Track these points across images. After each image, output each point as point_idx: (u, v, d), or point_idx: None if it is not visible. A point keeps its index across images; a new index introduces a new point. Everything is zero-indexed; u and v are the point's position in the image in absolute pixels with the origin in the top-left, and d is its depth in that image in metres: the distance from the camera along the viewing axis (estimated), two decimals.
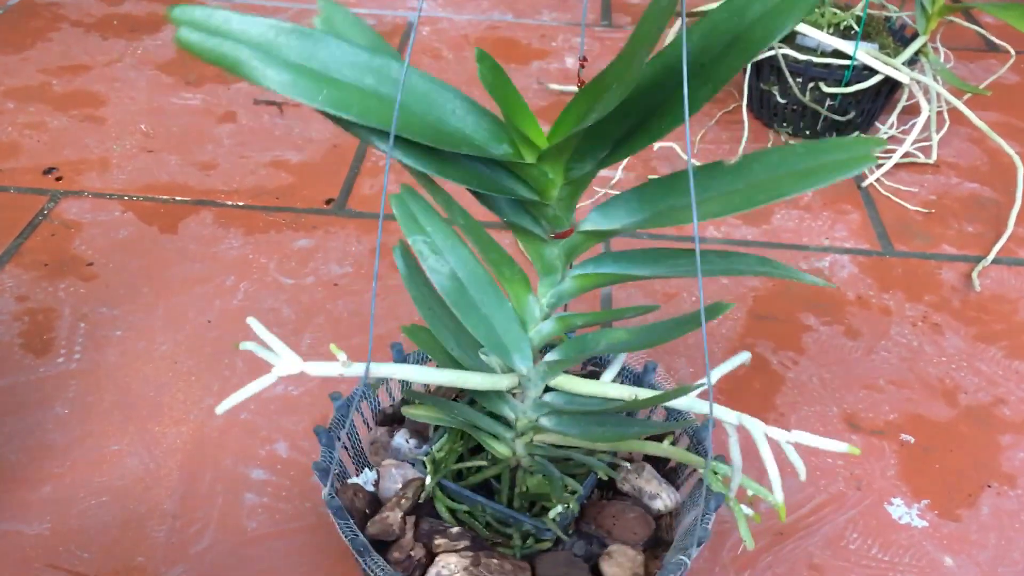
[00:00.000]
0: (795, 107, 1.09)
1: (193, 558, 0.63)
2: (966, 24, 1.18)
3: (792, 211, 0.99)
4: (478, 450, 0.58)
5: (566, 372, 0.54)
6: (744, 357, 0.55)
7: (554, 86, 1.19)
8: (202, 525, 0.65)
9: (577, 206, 0.50)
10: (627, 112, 0.43)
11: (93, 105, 1.13)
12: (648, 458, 0.61)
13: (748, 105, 1.15)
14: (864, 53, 1.02)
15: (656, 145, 1.06)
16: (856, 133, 1.11)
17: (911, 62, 1.05)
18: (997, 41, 1.20)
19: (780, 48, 1.04)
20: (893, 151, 1.06)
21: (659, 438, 0.59)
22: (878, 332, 0.84)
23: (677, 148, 1.05)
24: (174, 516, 0.66)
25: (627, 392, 0.52)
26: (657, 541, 0.57)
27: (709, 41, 0.42)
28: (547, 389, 0.53)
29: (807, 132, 1.11)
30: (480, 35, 1.31)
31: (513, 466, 0.56)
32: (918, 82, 1.03)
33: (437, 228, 0.49)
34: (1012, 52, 1.15)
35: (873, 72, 1.03)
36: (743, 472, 0.54)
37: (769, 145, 1.10)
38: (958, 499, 0.69)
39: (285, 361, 0.47)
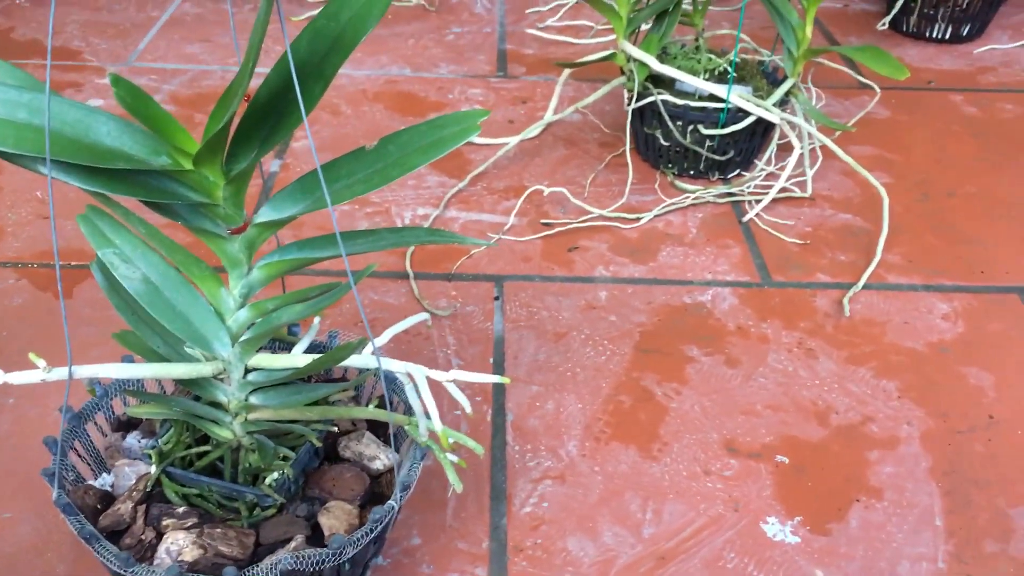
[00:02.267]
0: (678, 149, 1.14)
1: None
2: (836, 66, 1.25)
3: (677, 248, 1.04)
4: (206, 440, 0.63)
5: (271, 352, 0.61)
6: (421, 317, 0.63)
7: None
8: None
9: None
10: (265, 115, 0.50)
11: None
12: (370, 426, 0.69)
13: (635, 148, 1.20)
14: (737, 96, 1.08)
15: (546, 191, 1.10)
16: (737, 171, 1.17)
17: (782, 103, 1.12)
18: (863, 80, 1.28)
19: (660, 94, 1.10)
20: (770, 187, 1.12)
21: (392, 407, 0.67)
22: (756, 360, 0.88)
23: (567, 192, 1.10)
24: None
25: (311, 359, 0.57)
26: (376, 496, 0.64)
27: (315, 45, 0.50)
28: (250, 370, 0.59)
29: (691, 172, 1.16)
30: (378, 89, 1.35)
31: (235, 447, 0.62)
32: (788, 122, 1.09)
33: (125, 239, 0.55)
34: (877, 89, 1.23)
35: (747, 113, 1.09)
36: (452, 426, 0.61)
37: (656, 186, 1.15)
38: (828, 514, 0.73)
39: None
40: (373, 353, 0.54)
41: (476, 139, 1.22)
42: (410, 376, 0.57)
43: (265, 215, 0.55)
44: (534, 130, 1.23)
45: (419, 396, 0.56)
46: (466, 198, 1.12)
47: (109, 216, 0.55)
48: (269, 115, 0.52)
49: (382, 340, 0.60)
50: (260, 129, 0.52)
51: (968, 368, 0.88)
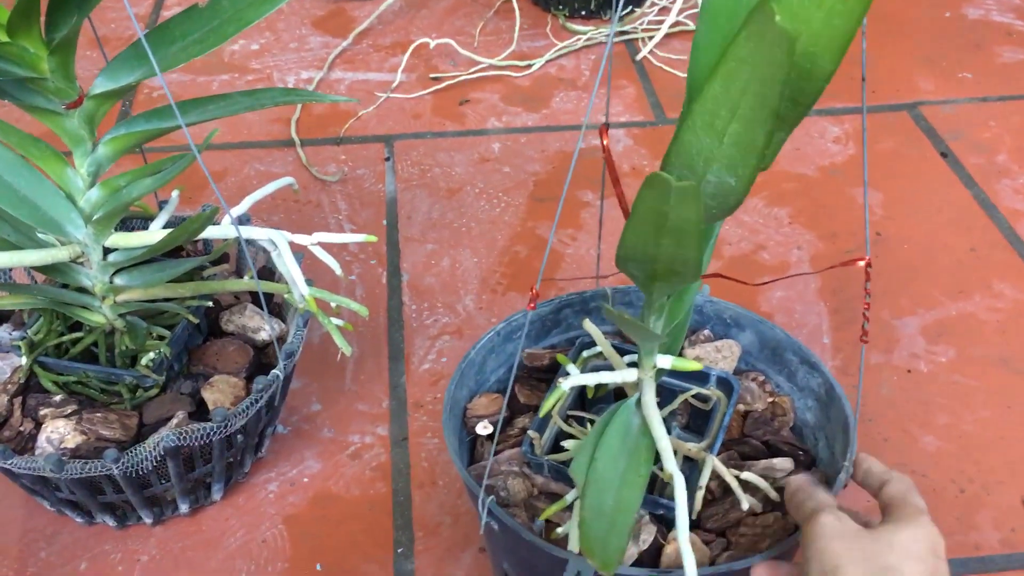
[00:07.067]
0: None
1: None
2: None
3: (570, 92, 1.02)
4: (80, 327, 0.61)
5: None
6: (285, 181, 0.61)
7: None
8: None
9: None
10: None
11: None
12: (256, 298, 0.67)
13: None
14: None
15: (433, 43, 1.06)
16: (630, 8, 1.14)
17: None
18: None
19: None
20: (662, 22, 1.09)
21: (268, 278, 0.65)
22: None
23: (455, 43, 1.06)
24: None
25: (165, 234, 0.55)
26: (263, 367, 0.64)
27: None
28: (109, 251, 0.57)
29: (582, 12, 1.13)
30: None
31: (109, 331, 0.60)
32: None
33: None
34: None
35: None
36: (332, 290, 0.61)
37: (548, 30, 1.11)
38: None
39: None
40: (232, 223, 0.52)
41: None
42: (274, 243, 0.55)
43: (100, 85, 0.52)
44: None
45: (285, 262, 0.55)
46: (351, 57, 1.08)
47: None
48: None
49: (242, 208, 0.58)
50: None
51: (857, 189, 0.89)
